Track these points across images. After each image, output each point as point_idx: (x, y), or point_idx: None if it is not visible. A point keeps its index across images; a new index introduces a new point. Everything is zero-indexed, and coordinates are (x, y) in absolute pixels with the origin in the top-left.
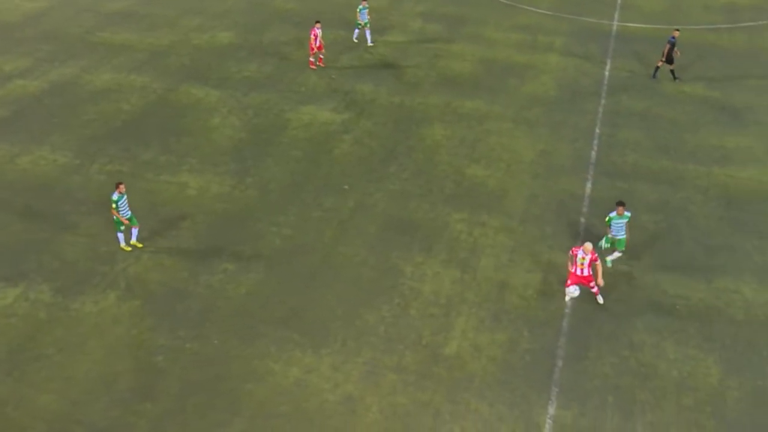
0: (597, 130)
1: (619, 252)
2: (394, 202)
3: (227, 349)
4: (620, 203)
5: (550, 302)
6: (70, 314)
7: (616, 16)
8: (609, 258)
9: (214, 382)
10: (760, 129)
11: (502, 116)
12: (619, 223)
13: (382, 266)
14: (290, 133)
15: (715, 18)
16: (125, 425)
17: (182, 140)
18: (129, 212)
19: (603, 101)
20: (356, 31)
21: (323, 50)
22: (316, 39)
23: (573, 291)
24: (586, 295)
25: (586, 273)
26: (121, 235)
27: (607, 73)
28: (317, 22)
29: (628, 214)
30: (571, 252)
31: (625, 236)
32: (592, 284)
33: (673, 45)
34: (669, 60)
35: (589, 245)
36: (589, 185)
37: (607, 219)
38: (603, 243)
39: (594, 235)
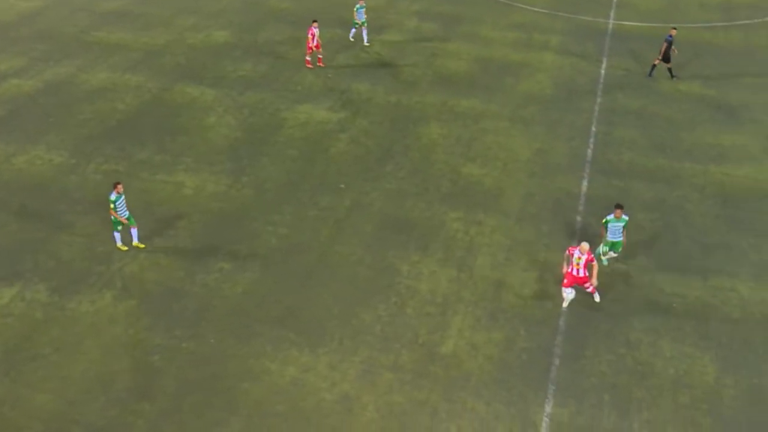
0: (593, 129)
1: (615, 253)
2: (390, 201)
3: (224, 349)
4: (618, 206)
5: (547, 301)
6: (66, 314)
7: (612, 14)
8: (605, 257)
9: (210, 381)
10: (755, 127)
11: (498, 115)
12: (616, 226)
13: (379, 265)
14: (286, 132)
15: (711, 16)
16: (122, 425)
17: (178, 139)
18: (127, 212)
19: (599, 99)
20: (353, 30)
21: (321, 49)
22: (313, 38)
23: (569, 295)
24: (583, 294)
25: (582, 274)
26: (117, 235)
27: (603, 72)
28: (314, 21)
29: (625, 217)
30: (567, 251)
31: (622, 239)
32: (587, 285)
33: (670, 43)
34: (666, 58)
35: (585, 245)
36: (585, 184)
37: (603, 221)
38: (601, 249)
39: (590, 233)
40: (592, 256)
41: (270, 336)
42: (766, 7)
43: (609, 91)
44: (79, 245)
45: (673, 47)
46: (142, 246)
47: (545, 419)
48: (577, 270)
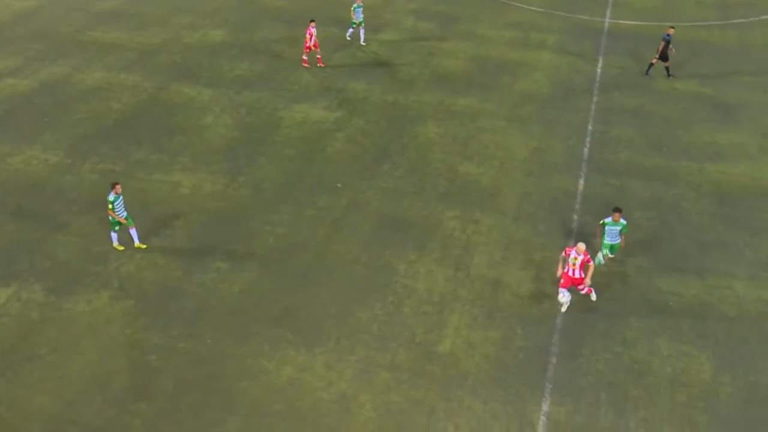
0: (590, 127)
1: (611, 254)
2: (387, 200)
3: (221, 348)
4: (616, 210)
5: (544, 300)
6: (62, 314)
7: (608, 13)
8: (600, 258)
9: (208, 381)
10: (751, 125)
11: (495, 114)
12: (613, 230)
13: (376, 264)
14: (283, 132)
15: (706, 14)
16: (120, 425)
17: (174, 139)
18: (125, 212)
19: (595, 98)
20: (350, 29)
21: (318, 49)
22: (311, 38)
23: (564, 298)
24: (579, 294)
25: (578, 274)
26: (114, 235)
27: (599, 71)
28: (312, 21)
29: (623, 221)
30: (563, 252)
31: (618, 242)
32: (581, 286)
33: (668, 42)
34: (664, 57)
35: (582, 245)
36: (582, 182)
37: (601, 222)
38: (602, 254)
39: (587, 232)
40: (589, 256)
41: (267, 335)
42: (761, 5)
43: (606, 90)
44: (75, 245)
45: (670, 46)
46: (144, 246)
47: (542, 418)
48: (573, 270)
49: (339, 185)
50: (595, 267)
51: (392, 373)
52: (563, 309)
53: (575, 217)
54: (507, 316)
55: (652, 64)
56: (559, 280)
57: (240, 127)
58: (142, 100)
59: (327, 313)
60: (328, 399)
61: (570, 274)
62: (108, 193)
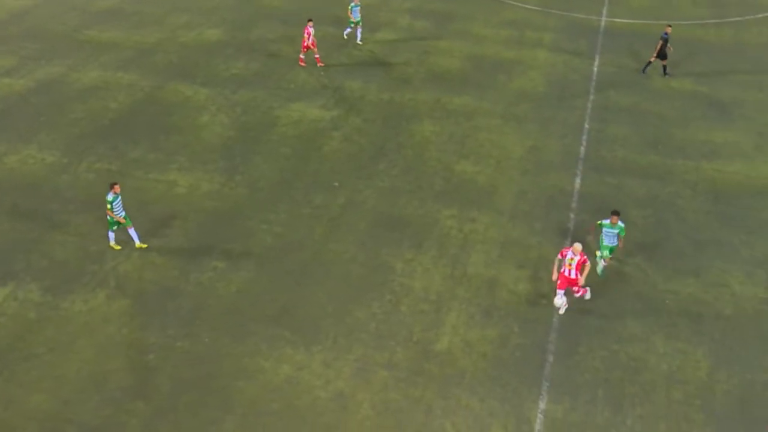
0: (586, 126)
1: (609, 256)
2: (383, 199)
3: (218, 347)
4: (615, 213)
5: (540, 298)
6: (59, 313)
7: (604, 11)
8: (600, 264)
9: (205, 380)
10: (747, 124)
11: (490, 112)
12: (610, 232)
13: (373, 263)
14: (279, 131)
15: (702, 13)
16: (117, 424)
17: (171, 138)
18: (123, 212)
19: (591, 97)
20: (348, 28)
21: (316, 48)
22: (309, 37)
23: (560, 301)
24: (575, 296)
25: (574, 275)
26: (112, 234)
27: (595, 69)
28: (310, 20)
29: (621, 224)
30: (559, 254)
31: (616, 245)
32: (576, 288)
33: (666, 41)
34: (662, 56)
35: (578, 246)
36: (578, 181)
37: (598, 223)
38: (599, 256)
39: (583, 231)
40: (585, 257)
41: (264, 334)
42: (756, 4)
43: (601, 89)
44: (71, 244)
45: (669, 45)
46: (145, 246)
47: (539, 415)
48: (570, 271)
49: (336, 184)
50: (600, 277)
51: (390, 372)
52: (561, 311)
53: (572, 215)
54: (504, 315)
55: (650, 63)
56: (556, 282)
57: (236, 126)
58: (139, 99)
59: (324, 312)
60: (325, 397)
61: (567, 274)
62: (107, 193)
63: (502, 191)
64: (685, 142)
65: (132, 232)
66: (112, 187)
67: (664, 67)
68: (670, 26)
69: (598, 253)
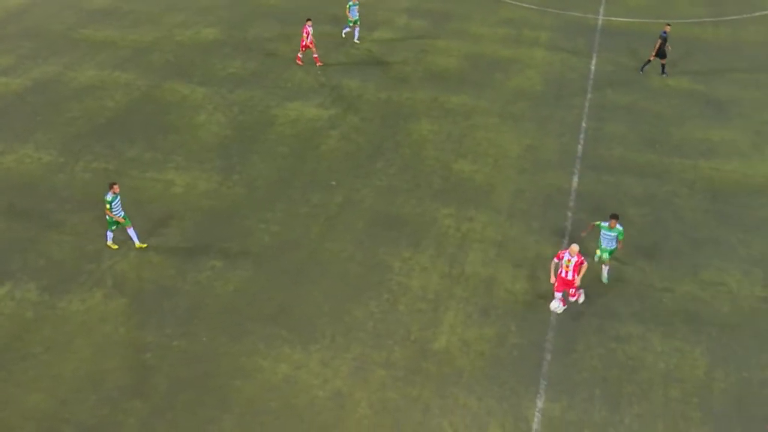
0: (583, 125)
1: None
2: (381, 198)
3: (215, 346)
4: (614, 216)
5: (538, 297)
6: (56, 313)
7: (601, 10)
8: (605, 272)
9: (202, 379)
10: (744, 122)
11: (488, 111)
12: (608, 235)
13: (370, 262)
14: (276, 130)
15: (699, 11)
16: (114, 423)
17: (168, 137)
18: (122, 212)
19: (589, 95)
20: (346, 27)
21: (315, 47)
22: (307, 36)
23: (556, 306)
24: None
25: (571, 276)
26: (110, 234)
27: (592, 68)
28: (308, 19)
29: (620, 228)
30: (556, 257)
31: (615, 247)
32: (572, 291)
33: (665, 40)
34: (661, 54)
35: (575, 247)
36: (575, 179)
37: (597, 223)
38: (597, 257)
39: (580, 230)
40: (582, 258)
41: (262, 333)
42: (754, 2)
43: (599, 87)
44: (68, 244)
45: (667, 44)
46: (145, 246)
47: (537, 414)
48: (567, 272)
49: (333, 183)
50: (605, 283)
51: (387, 371)
52: (559, 311)
53: (569, 214)
54: (501, 314)
55: (649, 61)
56: (553, 286)
57: (233, 125)
58: (135, 98)
59: (322, 311)
60: (323, 396)
61: (564, 275)
62: (106, 193)
63: (500, 190)
64: (682, 140)
65: (131, 232)
66: (111, 186)
67: (663, 65)
68: (669, 25)
69: (598, 252)
